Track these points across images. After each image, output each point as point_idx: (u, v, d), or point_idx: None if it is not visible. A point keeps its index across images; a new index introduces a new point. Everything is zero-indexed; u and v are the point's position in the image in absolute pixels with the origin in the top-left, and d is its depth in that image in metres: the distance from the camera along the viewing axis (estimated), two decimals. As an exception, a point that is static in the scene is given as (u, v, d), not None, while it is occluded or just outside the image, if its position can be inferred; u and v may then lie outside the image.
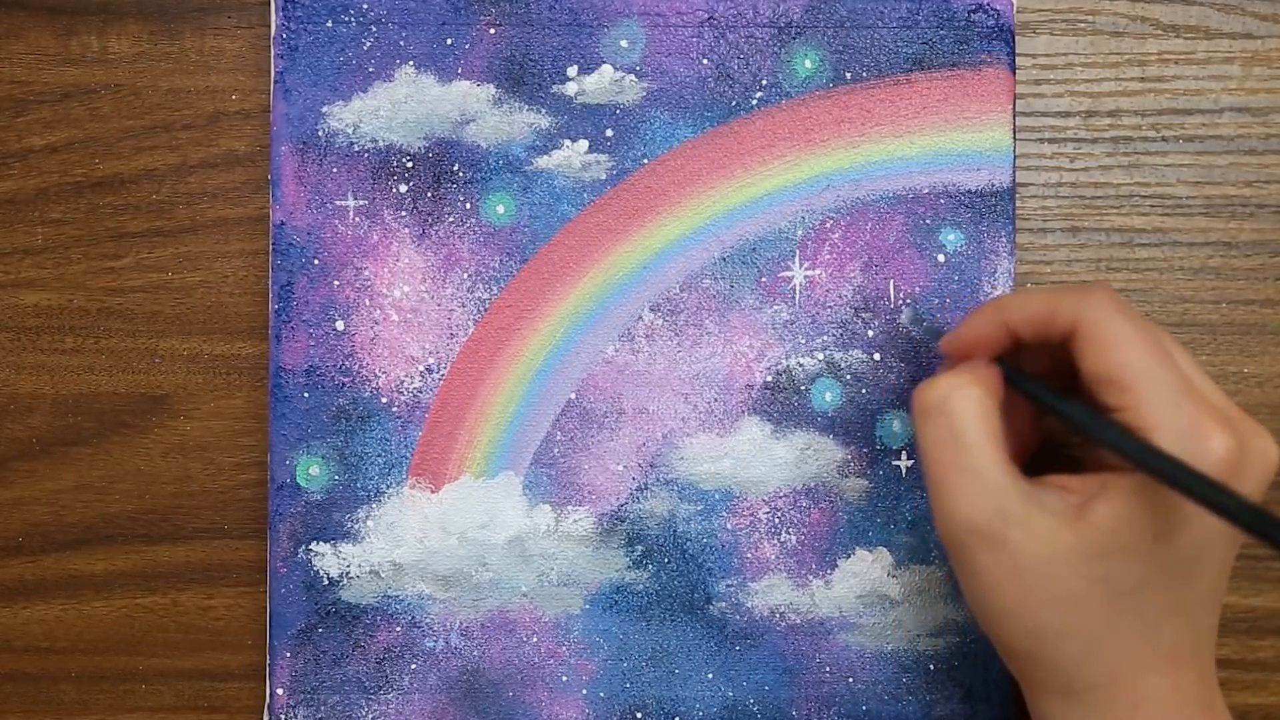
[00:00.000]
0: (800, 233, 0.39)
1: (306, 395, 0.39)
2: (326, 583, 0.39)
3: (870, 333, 0.39)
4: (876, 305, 0.39)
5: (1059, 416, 0.32)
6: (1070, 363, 0.33)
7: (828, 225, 0.39)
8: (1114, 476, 0.31)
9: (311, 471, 0.39)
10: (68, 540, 0.40)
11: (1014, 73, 0.39)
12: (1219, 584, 0.32)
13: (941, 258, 0.39)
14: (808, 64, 0.39)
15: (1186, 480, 0.28)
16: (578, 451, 0.39)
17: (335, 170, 0.39)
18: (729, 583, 0.39)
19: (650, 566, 0.39)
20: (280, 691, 0.39)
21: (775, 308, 0.39)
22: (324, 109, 0.39)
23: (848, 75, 0.39)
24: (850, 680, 0.39)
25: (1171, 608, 0.31)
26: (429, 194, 0.39)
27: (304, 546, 0.39)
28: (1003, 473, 0.31)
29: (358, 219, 0.39)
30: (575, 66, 0.39)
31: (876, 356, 0.39)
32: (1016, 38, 0.39)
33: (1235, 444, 0.30)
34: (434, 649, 0.39)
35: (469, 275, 0.39)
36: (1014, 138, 0.39)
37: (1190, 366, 0.32)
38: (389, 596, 0.39)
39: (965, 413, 0.31)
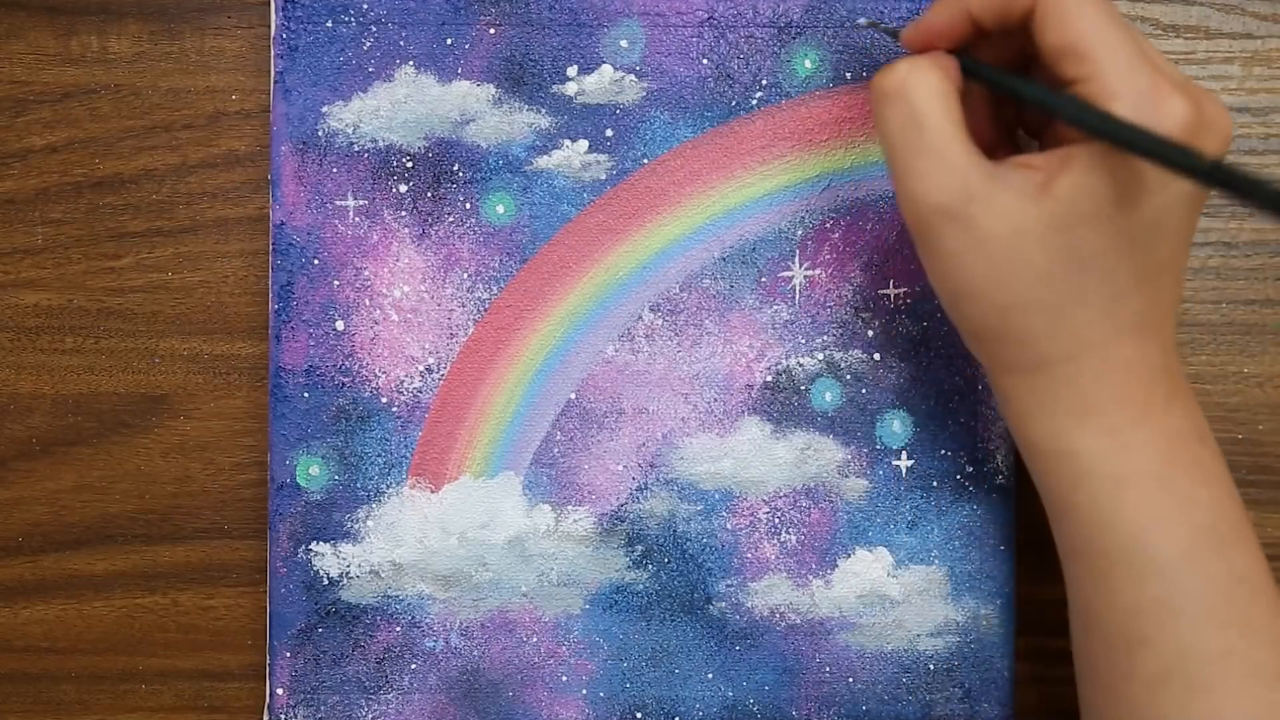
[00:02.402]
0: (800, 233, 0.39)
1: (306, 395, 0.39)
2: (326, 583, 0.39)
3: (870, 333, 0.39)
4: (876, 305, 0.39)
5: (1018, 97, 0.32)
6: (1022, 57, 0.33)
7: (828, 225, 0.39)
8: (1076, 149, 0.31)
9: (311, 471, 0.39)
10: (68, 540, 0.40)
11: (1014, 72, 0.39)
12: (1181, 252, 0.32)
13: (941, 258, 0.39)
14: (808, 64, 0.39)
15: (1147, 143, 0.29)
16: (578, 451, 0.39)
17: (335, 170, 0.39)
18: (729, 583, 0.39)
19: (650, 566, 0.39)
20: (280, 691, 0.39)
21: (775, 308, 0.39)
22: (324, 109, 0.39)
23: (848, 75, 0.39)
24: (850, 680, 0.39)
25: (1136, 276, 0.31)
26: (429, 194, 0.39)
27: (304, 546, 0.39)
28: (965, 152, 0.31)
29: (358, 219, 0.39)
30: (575, 66, 0.39)
31: (876, 356, 0.39)
32: (1016, 38, 0.39)
33: (1192, 108, 0.30)
34: (434, 649, 0.39)
35: (469, 275, 0.39)
36: (1014, 137, 0.39)
37: (1145, 42, 0.32)
38: (389, 596, 0.39)
39: (924, 94, 0.32)
